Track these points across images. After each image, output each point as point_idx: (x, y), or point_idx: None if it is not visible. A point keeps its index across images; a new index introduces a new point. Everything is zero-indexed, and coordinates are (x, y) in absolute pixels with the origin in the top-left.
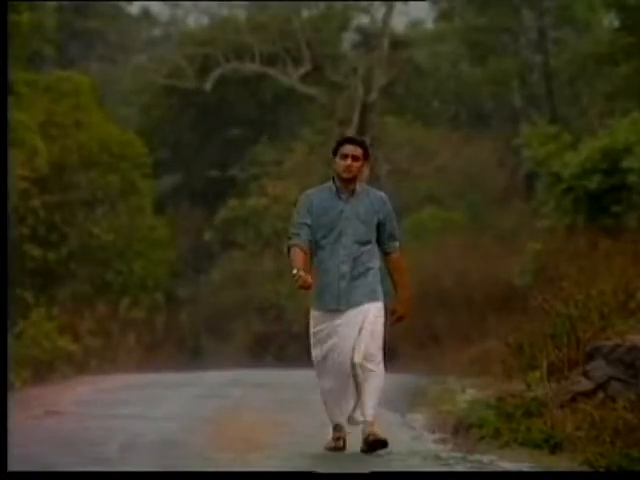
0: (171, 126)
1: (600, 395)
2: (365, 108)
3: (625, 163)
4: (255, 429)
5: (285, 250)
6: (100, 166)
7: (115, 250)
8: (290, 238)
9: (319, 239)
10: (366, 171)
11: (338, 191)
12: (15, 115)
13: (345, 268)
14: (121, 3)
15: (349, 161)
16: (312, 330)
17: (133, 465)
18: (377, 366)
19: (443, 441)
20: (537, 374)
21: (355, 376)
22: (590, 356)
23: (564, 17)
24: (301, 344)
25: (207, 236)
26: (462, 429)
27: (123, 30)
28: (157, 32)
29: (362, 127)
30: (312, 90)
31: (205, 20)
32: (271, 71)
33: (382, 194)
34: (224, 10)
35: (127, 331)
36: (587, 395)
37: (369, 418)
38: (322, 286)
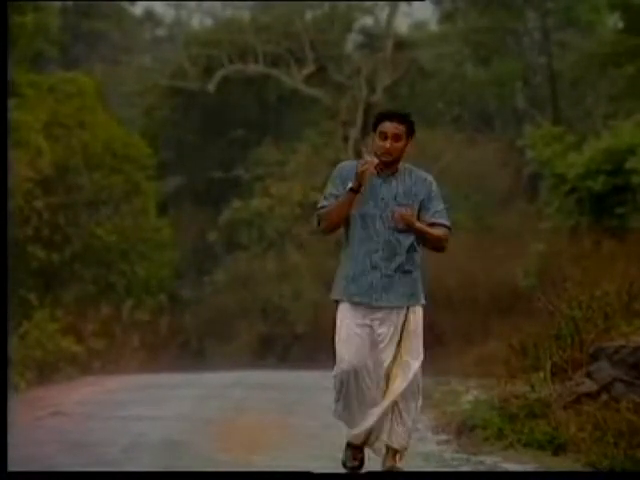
0: (175, 127)
1: (604, 396)
2: (369, 109)
3: (629, 164)
4: (258, 431)
5: (315, 222)
6: (104, 167)
7: (119, 251)
8: (318, 210)
9: (349, 218)
10: (410, 149)
11: (376, 169)
12: (19, 116)
13: (378, 258)
14: (125, 4)
15: (389, 143)
16: (338, 325)
17: (137, 466)
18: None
19: (447, 442)
20: (541, 375)
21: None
22: (594, 357)
23: (568, 18)
24: (304, 346)
25: (211, 237)
26: (466, 430)
27: (127, 31)
28: (161, 33)
29: (366, 128)
30: (316, 91)
31: (209, 21)
32: (275, 72)
33: (427, 175)
34: (228, 11)
35: (131, 332)
36: (591, 396)
37: (397, 446)
38: (349, 275)
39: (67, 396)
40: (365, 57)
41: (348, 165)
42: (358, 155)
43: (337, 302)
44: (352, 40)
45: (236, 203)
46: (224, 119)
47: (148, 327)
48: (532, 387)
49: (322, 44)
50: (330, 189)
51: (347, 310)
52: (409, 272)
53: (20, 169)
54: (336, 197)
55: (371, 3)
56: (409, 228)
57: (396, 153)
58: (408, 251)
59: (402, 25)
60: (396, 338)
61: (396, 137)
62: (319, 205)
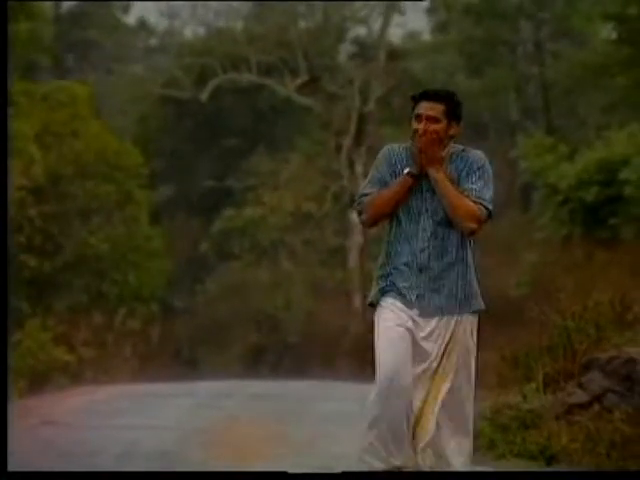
0: (167, 136)
1: (596, 407)
2: (362, 119)
3: (622, 175)
4: (250, 440)
5: (356, 212)
6: (96, 176)
7: (111, 260)
8: (361, 197)
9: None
10: (454, 131)
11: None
12: (12, 124)
13: (424, 257)
14: (118, 14)
15: (422, 124)
16: (377, 332)
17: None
18: (468, 407)
19: None
20: (533, 386)
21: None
22: (586, 368)
23: (561, 29)
24: (297, 355)
25: (203, 246)
26: None
27: (120, 40)
28: (154, 42)
29: (359, 138)
30: (309, 101)
31: (202, 31)
32: (268, 81)
33: (479, 153)
34: (221, 21)
35: (122, 341)
36: (583, 407)
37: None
38: (391, 275)
39: (59, 405)
40: (358, 67)
41: (397, 148)
42: (351, 166)
43: (373, 306)
44: (345, 50)
45: (228, 212)
46: (217, 128)
47: (140, 336)
48: (524, 397)
49: (315, 54)
50: (375, 174)
51: (387, 314)
52: (461, 272)
53: (13, 177)
54: (385, 183)
55: (364, 13)
56: (429, 162)
57: (433, 138)
58: (459, 248)
59: (395, 35)
60: (443, 356)
61: (432, 119)
62: (362, 192)
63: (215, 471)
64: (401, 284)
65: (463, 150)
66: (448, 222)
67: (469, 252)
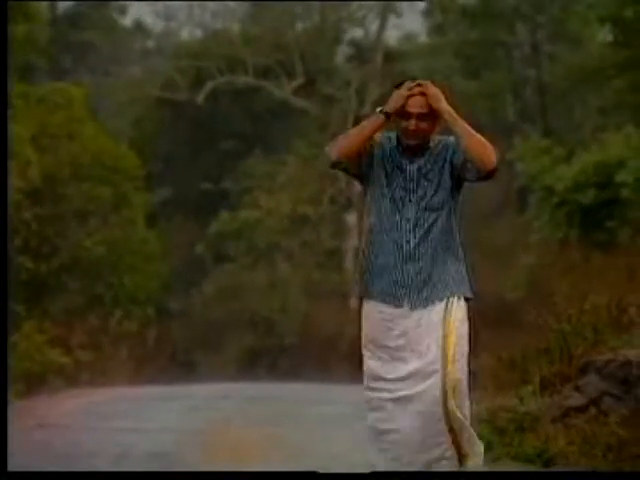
0: (164, 138)
1: (593, 410)
2: (359, 121)
3: (618, 177)
4: (246, 443)
5: (328, 153)
6: (92, 178)
7: (107, 263)
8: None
9: (373, 202)
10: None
11: (401, 148)
12: (8, 126)
13: (411, 246)
14: (114, 15)
15: (413, 123)
16: (364, 331)
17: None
18: (464, 403)
19: None
20: (530, 389)
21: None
22: (583, 371)
23: (558, 32)
24: (293, 357)
25: (199, 249)
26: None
27: (116, 42)
28: (150, 44)
29: None
30: (305, 103)
31: (198, 33)
32: (264, 84)
33: (450, 138)
34: (218, 23)
35: (119, 344)
36: (580, 410)
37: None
38: (375, 268)
39: (54, 408)
40: (355, 69)
41: (379, 136)
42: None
43: (361, 299)
44: (342, 52)
45: (225, 215)
46: (213, 131)
47: (136, 339)
48: (521, 400)
49: (312, 56)
50: None
51: (373, 308)
52: (450, 262)
53: (9, 180)
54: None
55: (361, 15)
56: (435, 107)
57: (424, 135)
58: (446, 234)
59: (392, 37)
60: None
61: (422, 117)
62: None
63: (240, 471)
64: (387, 278)
65: (439, 139)
66: (433, 208)
67: (456, 237)
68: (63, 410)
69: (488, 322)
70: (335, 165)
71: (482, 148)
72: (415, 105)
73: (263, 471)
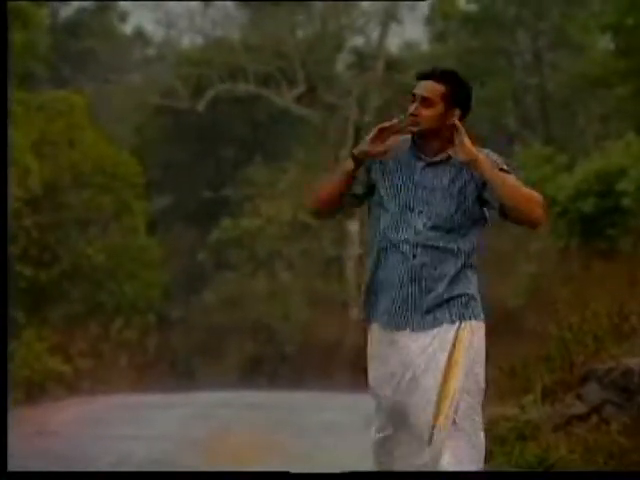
0: (164, 146)
1: (594, 418)
2: (359, 129)
3: (620, 186)
4: (246, 450)
5: None
6: (93, 186)
7: (107, 270)
8: None
9: (376, 213)
10: (454, 118)
11: (416, 148)
12: (8, 134)
13: (416, 265)
14: (115, 23)
15: (413, 107)
16: (369, 351)
17: None
18: (473, 429)
19: None
20: (531, 397)
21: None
22: (584, 379)
23: (559, 39)
24: (293, 366)
25: (200, 257)
26: None
27: (117, 50)
28: (151, 52)
29: None
30: (306, 111)
31: (199, 40)
32: (265, 92)
33: (483, 151)
34: (218, 30)
35: (119, 352)
36: (581, 418)
37: None
38: (377, 287)
39: (54, 416)
40: (356, 77)
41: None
42: None
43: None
44: (343, 60)
45: (225, 223)
46: (214, 138)
47: (136, 347)
48: (522, 409)
49: (313, 64)
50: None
51: (377, 331)
52: (460, 288)
53: (9, 187)
54: (361, 183)
55: (362, 23)
56: (469, 162)
57: (426, 122)
58: (454, 248)
59: (393, 45)
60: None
61: (427, 101)
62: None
63: (241, 471)
64: (390, 301)
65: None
66: (445, 228)
67: (471, 271)
68: (63, 418)
69: (489, 330)
70: (317, 215)
71: (528, 208)
72: (421, 87)
73: (263, 471)
